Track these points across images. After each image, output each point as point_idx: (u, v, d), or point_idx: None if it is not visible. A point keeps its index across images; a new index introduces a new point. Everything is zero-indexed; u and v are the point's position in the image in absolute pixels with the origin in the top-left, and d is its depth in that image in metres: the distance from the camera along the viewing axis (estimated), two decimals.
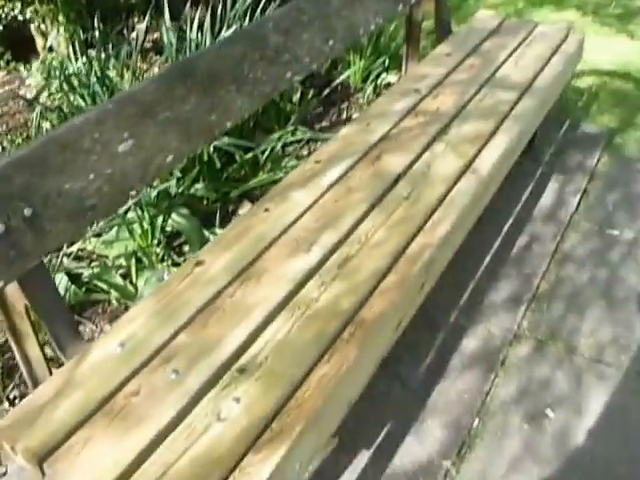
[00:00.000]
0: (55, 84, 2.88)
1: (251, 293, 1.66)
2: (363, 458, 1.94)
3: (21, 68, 3.45)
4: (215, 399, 1.42)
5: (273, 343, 1.53)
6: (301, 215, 1.90)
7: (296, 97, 3.23)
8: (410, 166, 2.11)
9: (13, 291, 1.52)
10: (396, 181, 2.04)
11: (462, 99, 2.47)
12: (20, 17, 3.22)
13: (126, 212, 2.42)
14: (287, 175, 2.11)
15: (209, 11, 2.99)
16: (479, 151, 2.19)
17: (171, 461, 1.30)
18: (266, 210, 1.92)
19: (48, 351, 1.76)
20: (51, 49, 3.42)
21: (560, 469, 1.93)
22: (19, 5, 3.21)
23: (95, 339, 1.59)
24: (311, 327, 1.57)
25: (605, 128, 3.58)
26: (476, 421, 2.06)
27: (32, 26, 3.35)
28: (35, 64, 3.33)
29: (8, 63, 3.57)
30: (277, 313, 1.61)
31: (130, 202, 2.31)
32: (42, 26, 3.27)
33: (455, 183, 2.05)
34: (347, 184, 2.02)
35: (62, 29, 3.12)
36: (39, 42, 3.48)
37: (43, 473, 1.35)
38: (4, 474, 1.91)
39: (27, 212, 1.41)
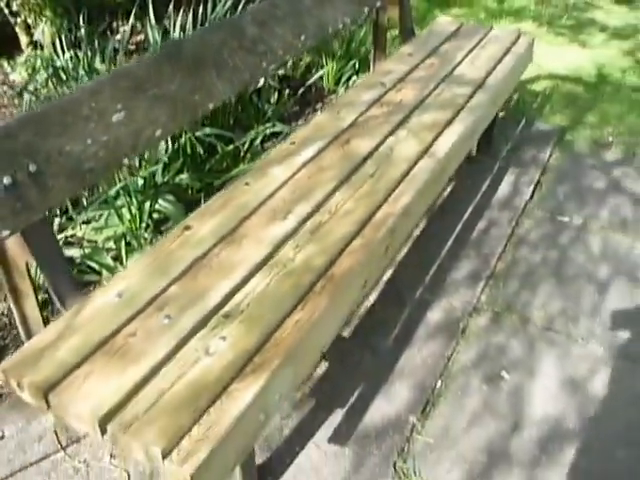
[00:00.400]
0: (42, 77, 3.00)
1: (234, 253, 1.84)
2: (338, 416, 2.12)
3: (5, 64, 3.55)
4: (204, 338, 1.59)
5: (254, 294, 1.72)
6: (278, 188, 2.10)
7: (274, 98, 3.44)
8: (376, 149, 2.33)
9: (15, 248, 1.68)
10: (363, 161, 2.26)
11: (422, 93, 2.70)
12: (6, 10, 3.32)
13: (115, 198, 2.58)
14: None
15: (191, 13, 3.18)
16: (437, 137, 2.42)
17: (166, 387, 1.47)
18: (246, 184, 2.12)
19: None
20: (35, 45, 3.54)
21: (515, 423, 2.13)
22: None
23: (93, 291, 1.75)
24: (287, 281, 1.76)
25: (557, 127, 3.88)
26: (439, 383, 2.26)
27: (18, 20, 3.45)
28: (20, 60, 3.43)
29: None
30: (257, 270, 1.80)
31: (118, 186, 2.48)
32: (29, 20, 3.38)
33: (415, 163, 2.27)
34: (319, 163, 2.23)
35: (49, 23, 3.25)
36: (23, 39, 3.58)
37: (48, 405, 1.50)
38: (1, 437, 2.04)
39: (32, 168, 1.57)
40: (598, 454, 2.04)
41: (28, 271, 1.73)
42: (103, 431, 1.42)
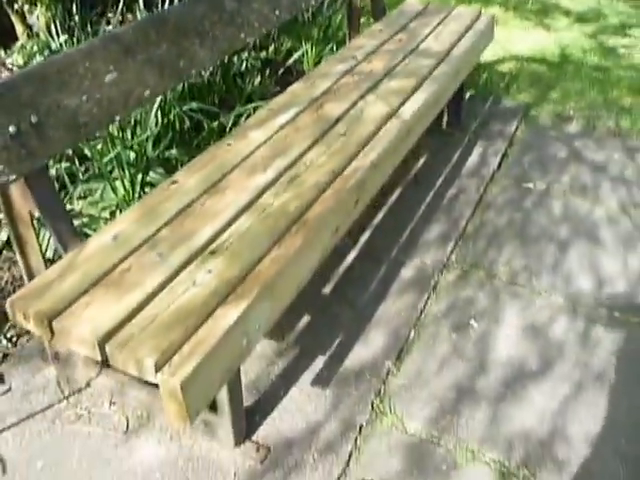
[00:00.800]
0: (38, 59, 3.15)
1: (218, 202, 2.01)
2: (319, 362, 2.29)
3: (2, 53, 3.68)
4: (192, 271, 1.76)
5: (237, 235, 1.89)
6: (258, 147, 2.27)
7: (257, 79, 3.61)
8: (347, 112, 2.51)
9: (19, 199, 1.84)
10: (335, 122, 2.44)
11: (391, 64, 2.90)
12: None
13: (111, 172, 2.75)
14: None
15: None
16: (403, 102, 2.61)
17: (158, 312, 1.63)
18: (228, 145, 2.29)
19: None
20: (31, 32, 3.67)
21: (482, 366, 2.31)
22: None
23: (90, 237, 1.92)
24: (266, 224, 1.93)
25: (523, 103, 4.10)
26: (412, 332, 2.43)
27: (15, 6, 3.59)
28: (16, 46, 3.57)
29: None
30: (239, 215, 1.97)
31: (112, 153, 2.64)
32: (25, 7, 3.54)
33: (383, 124, 2.45)
34: (295, 125, 2.41)
35: (44, 9, 3.40)
36: (19, 29, 3.71)
37: (52, 332, 1.66)
38: (8, 390, 2.19)
39: (33, 119, 1.74)
40: (556, 390, 2.24)
41: (32, 221, 1.89)
42: (102, 351, 1.58)
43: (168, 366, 1.51)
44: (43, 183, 1.80)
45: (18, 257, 1.97)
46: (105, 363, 1.60)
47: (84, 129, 1.88)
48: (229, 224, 1.94)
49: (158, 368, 1.51)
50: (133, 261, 1.79)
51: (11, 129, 1.69)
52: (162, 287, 1.72)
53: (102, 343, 1.57)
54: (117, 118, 1.97)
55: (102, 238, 1.87)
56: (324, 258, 2.07)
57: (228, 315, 1.65)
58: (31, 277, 2.01)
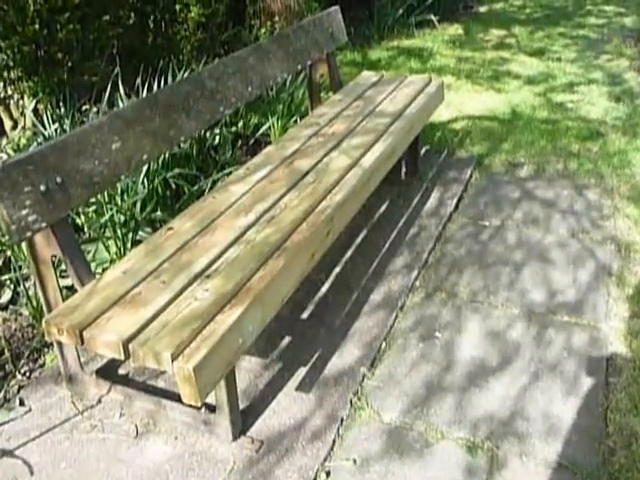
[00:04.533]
0: (34, 145, 3.68)
1: (210, 240, 2.53)
2: (301, 372, 2.75)
3: None
4: (192, 291, 2.25)
5: (228, 262, 2.39)
6: (239, 198, 2.80)
7: (229, 151, 4.16)
8: (315, 165, 3.08)
9: (43, 245, 2.33)
10: (306, 174, 3.01)
11: (351, 125, 3.50)
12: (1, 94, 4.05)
13: (104, 232, 3.23)
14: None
15: (155, 84, 3.95)
16: (364, 154, 3.19)
17: (169, 319, 2.11)
18: (213, 197, 2.82)
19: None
20: (15, 126, 4.18)
21: (447, 366, 2.78)
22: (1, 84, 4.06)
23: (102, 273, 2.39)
24: (252, 252, 2.44)
25: (476, 154, 4.69)
26: (383, 344, 2.91)
27: (11, 102, 4.12)
28: (4, 141, 4.06)
29: None
30: (229, 248, 2.48)
31: (107, 216, 3.14)
32: (20, 102, 4.08)
33: (346, 173, 3.00)
34: (270, 179, 2.96)
35: (39, 102, 3.95)
36: (7, 123, 4.27)
37: (82, 341, 2.10)
38: (29, 410, 2.56)
39: (58, 180, 2.30)
40: (515, 381, 2.67)
41: (52, 263, 2.36)
42: (126, 350, 2.03)
43: (182, 356, 1.98)
44: (65, 230, 2.33)
45: (39, 291, 2.43)
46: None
47: (97, 186, 2.43)
48: (220, 255, 2.44)
49: (174, 359, 1.97)
50: (142, 287, 2.29)
51: (42, 187, 2.23)
52: (169, 303, 2.21)
53: (125, 344, 2.04)
54: (122, 177, 2.49)
55: (113, 273, 2.37)
56: (303, 278, 2.55)
57: (226, 320, 2.13)
58: (50, 308, 2.45)
